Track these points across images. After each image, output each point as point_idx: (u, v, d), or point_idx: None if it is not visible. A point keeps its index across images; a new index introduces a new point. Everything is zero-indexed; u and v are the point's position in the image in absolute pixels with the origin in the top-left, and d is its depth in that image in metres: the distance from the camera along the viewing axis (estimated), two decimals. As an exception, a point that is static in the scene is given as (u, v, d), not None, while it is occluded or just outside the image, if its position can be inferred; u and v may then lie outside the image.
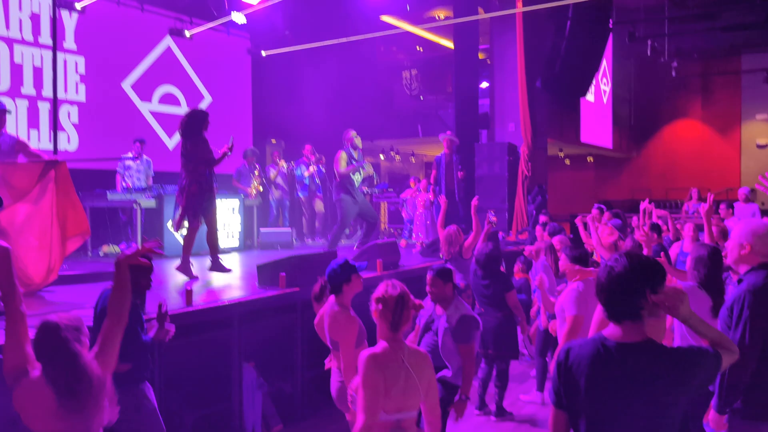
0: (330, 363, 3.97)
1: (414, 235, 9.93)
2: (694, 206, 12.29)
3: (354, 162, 8.46)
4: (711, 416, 2.91)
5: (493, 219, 6.71)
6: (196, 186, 6.10)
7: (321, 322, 3.96)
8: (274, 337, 5.11)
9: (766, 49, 18.97)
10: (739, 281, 3.02)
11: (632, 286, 2.04)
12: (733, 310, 2.88)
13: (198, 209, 6.14)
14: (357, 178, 8.46)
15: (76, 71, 9.92)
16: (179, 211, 6.16)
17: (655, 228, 6.81)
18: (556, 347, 4.60)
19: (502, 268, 6.17)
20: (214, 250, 6.35)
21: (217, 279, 6.21)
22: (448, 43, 16.60)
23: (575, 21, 11.50)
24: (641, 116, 22.05)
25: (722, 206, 9.64)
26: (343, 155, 8.49)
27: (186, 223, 6.18)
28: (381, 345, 2.74)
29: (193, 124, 6.20)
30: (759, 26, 15.81)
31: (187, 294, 4.60)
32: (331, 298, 3.89)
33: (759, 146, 20.52)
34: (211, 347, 4.77)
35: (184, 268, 6.09)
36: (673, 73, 17.52)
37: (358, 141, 8.61)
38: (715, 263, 3.63)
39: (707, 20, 15.59)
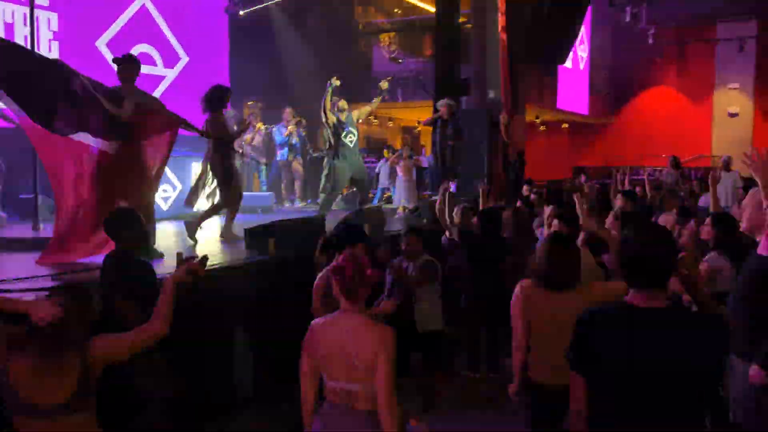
0: None
1: (396, 200, 9.96)
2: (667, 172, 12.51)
3: (341, 126, 8.40)
4: (753, 372, 3.01)
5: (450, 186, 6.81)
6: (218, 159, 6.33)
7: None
8: (262, 301, 5.12)
9: (741, 18, 19.14)
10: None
11: (661, 254, 2.11)
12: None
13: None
14: (350, 139, 8.40)
15: (49, 28, 9.62)
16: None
17: (630, 194, 6.93)
18: None
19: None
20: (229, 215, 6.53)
21: (205, 243, 6.19)
22: (428, 6, 16.42)
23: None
24: (617, 83, 22.22)
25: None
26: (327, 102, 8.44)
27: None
28: (335, 313, 2.81)
29: (211, 100, 6.29)
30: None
31: (178, 257, 4.58)
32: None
33: (730, 114, 20.86)
34: (203, 311, 4.77)
35: (192, 228, 6.24)
36: (650, 41, 17.62)
37: (342, 103, 8.53)
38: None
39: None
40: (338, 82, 8.39)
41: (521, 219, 6.29)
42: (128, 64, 5.52)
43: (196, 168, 9.23)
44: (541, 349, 3.31)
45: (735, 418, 3.17)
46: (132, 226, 3.66)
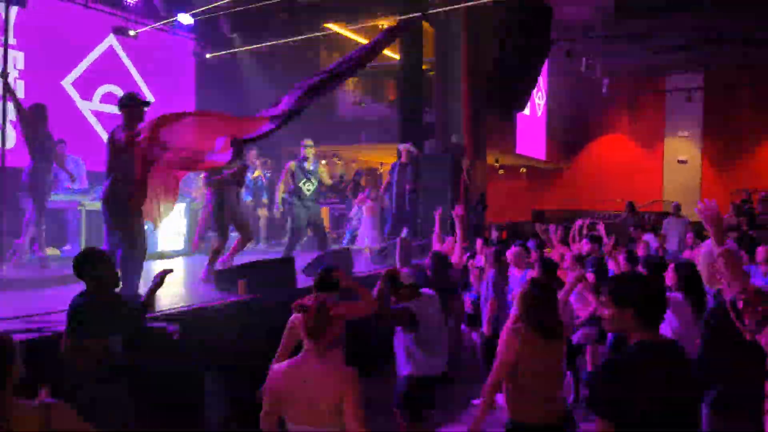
0: None
1: (360, 241, 10.05)
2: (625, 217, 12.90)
3: (304, 174, 8.52)
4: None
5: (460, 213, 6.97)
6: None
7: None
8: (234, 342, 5.11)
9: (689, 71, 20.12)
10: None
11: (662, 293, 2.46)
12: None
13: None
14: (308, 187, 8.51)
15: (15, 67, 9.58)
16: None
17: (596, 240, 7.19)
18: None
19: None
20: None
21: (175, 284, 6.17)
22: (391, 54, 16.83)
23: (517, 37, 11.93)
24: (572, 130, 22.95)
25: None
26: (291, 167, 8.56)
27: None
28: (299, 356, 2.83)
29: None
30: (683, 49, 16.82)
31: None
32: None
33: (680, 161, 21.70)
34: (172, 354, 4.75)
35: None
36: (604, 90, 18.35)
37: (309, 152, 8.66)
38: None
39: (637, 41, 16.44)
40: (310, 150, 8.63)
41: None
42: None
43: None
44: (530, 391, 3.46)
45: None
46: (102, 267, 3.65)
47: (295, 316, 4.05)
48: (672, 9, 14.51)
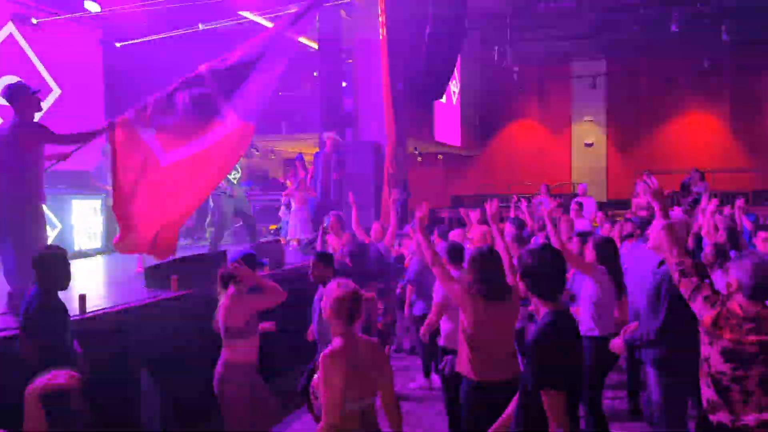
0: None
1: (292, 232, 9.97)
2: (541, 199, 13.43)
3: None
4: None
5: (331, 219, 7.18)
6: None
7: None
8: (168, 340, 5.01)
9: (593, 57, 21.06)
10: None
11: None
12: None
13: None
14: (233, 176, 8.37)
15: None
16: None
17: (518, 222, 7.46)
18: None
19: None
20: None
21: (105, 283, 5.96)
22: (308, 42, 16.71)
23: (433, 26, 12.12)
24: (486, 116, 23.55)
25: (573, 206, 10.47)
26: None
27: None
28: (336, 342, 2.88)
29: None
30: (586, 36, 17.61)
31: (81, 300, 4.43)
32: (231, 288, 4.19)
33: (586, 145, 22.72)
34: (105, 354, 4.62)
35: None
36: (515, 77, 18.94)
37: None
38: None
39: (545, 29, 17.07)
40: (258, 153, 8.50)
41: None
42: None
43: (77, 206, 8.85)
44: (483, 351, 3.71)
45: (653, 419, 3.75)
46: (55, 267, 3.60)
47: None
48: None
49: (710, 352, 2.98)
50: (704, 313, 2.97)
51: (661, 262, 3.85)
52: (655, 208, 3.30)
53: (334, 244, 6.93)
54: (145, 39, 11.37)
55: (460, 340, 3.85)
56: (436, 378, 6.23)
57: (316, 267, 4.91)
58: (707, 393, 3.02)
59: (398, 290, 7.31)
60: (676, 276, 3.13)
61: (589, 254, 4.91)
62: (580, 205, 10.32)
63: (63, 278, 3.63)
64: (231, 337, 4.09)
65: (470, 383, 3.74)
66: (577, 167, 22.65)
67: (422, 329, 5.40)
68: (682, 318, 3.48)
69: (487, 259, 3.75)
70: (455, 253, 4.98)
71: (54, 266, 3.58)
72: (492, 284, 3.71)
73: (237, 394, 4.03)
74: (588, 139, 22.69)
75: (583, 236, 5.67)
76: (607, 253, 4.82)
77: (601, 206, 13.78)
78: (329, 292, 2.92)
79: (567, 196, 17.12)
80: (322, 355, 2.84)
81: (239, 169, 8.49)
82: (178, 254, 6.34)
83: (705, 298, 2.99)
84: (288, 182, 11.93)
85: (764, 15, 14.57)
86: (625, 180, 19.59)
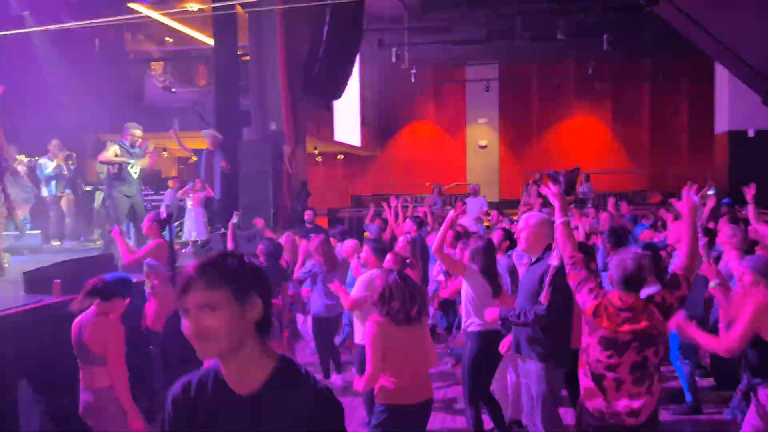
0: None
1: (187, 234, 9.65)
2: (434, 199, 13.74)
3: (130, 156, 7.94)
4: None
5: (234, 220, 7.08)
6: None
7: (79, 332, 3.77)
8: (50, 348, 4.73)
9: (486, 62, 21.79)
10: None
11: None
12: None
13: None
14: (134, 171, 7.96)
15: None
16: None
17: (417, 220, 7.61)
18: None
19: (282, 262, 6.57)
20: None
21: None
22: (202, 36, 16.26)
23: (331, 26, 12.13)
24: (385, 117, 23.84)
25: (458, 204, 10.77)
26: (113, 148, 7.94)
27: None
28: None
29: None
30: (480, 42, 18.18)
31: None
32: (93, 306, 3.77)
33: (480, 146, 23.49)
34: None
35: None
36: (412, 79, 19.29)
37: (136, 133, 8.05)
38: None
39: (441, 33, 17.48)
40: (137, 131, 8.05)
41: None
42: None
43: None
44: (397, 375, 3.57)
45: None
46: None
47: None
48: (472, 3, 15.65)
49: (589, 342, 3.19)
50: (587, 303, 3.17)
51: (536, 261, 4.00)
52: (556, 207, 3.47)
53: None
54: (22, 31, 10.66)
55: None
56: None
57: None
58: (585, 382, 3.22)
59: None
60: (567, 268, 3.33)
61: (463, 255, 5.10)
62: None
63: None
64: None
65: (382, 408, 3.63)
66: (472, 168, 23.36)
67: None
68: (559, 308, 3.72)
69: (399, 283, 3.62)
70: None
71: None
72: (403, 309, 3.58)
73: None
74: (482, 140, 23.45)
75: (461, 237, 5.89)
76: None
77: (495, 206, 14.29)
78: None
79: (461, 197, 17.61)
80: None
81: (138, 163, 8.03)
82: (64, 257, 6.03)
83: (590, 290, 3.20)
84: (170, 182, 11.55)
85: (640, 28, 15.62)
86: (517, 179, 20.44)
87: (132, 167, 7.91)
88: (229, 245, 6.09)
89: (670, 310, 3.13)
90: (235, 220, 6.94)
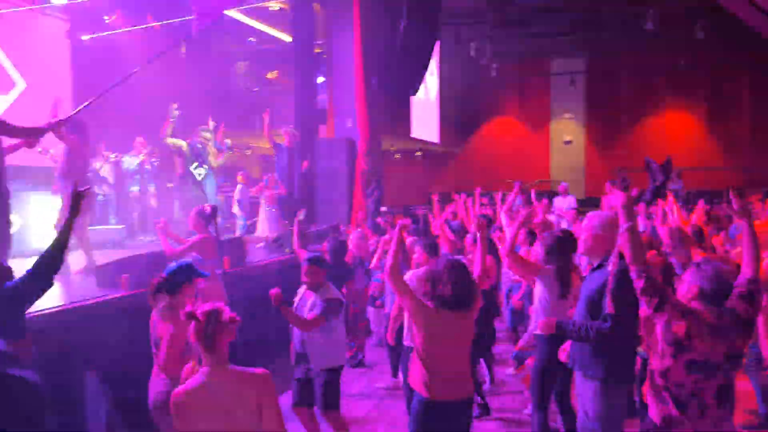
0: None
1: (260, 230, 9.81)
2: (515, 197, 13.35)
3: (195, 157, 8.15)
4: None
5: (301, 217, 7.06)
6: None
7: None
8: (118, 341, 4.83)
9: (571, 55, 21.05)
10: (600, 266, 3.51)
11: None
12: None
13: None
14: (198, 173, 8.16)
15: None
16: None
17: (486, 218, 7.34)
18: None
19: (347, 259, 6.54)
20: None
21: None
22: (281, 35, 16.49)
23: (409, 21, 11.96)
24: (464, 113, 23.45)
25: (544, 201, 10.38)
26: (182, 142, 8.16)
27: None
28: (200, 373, 2.64)
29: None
30: (564, 35, 17.57)
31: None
32: (165, 298, 3.86)
33: (565, 142, 22.73)
34: (50, 355, 4.43)
35: None
36: (493, 74, 18.86)
37: (206, 135, 8.27)
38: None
39: (521, 27, 16.99)
40: (177, 112, 8.20)
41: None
42: None
43: (35, 203, 8.59)
44: (438, 366, 3.42)
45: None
46: None
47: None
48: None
49: (670, 365, 2.81)
50: (675, 327, 2.78)
51: (597, 267, 3.63)
52: (619, 214, 3.01)
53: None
54: (111, 32, 11.13)
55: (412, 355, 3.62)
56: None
57: (311, 271, 4.50)
58: (662, 409, 2.86)
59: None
60: (635, 282, 2.90)
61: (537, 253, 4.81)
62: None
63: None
64: None
65: (422, 401, 3.47)
66: (556, 165, 22.64)
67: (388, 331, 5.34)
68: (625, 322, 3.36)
69: (460, 269, 3.49)
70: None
71: None
72: (451, 295, 3.43)
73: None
74: (567, 136, 22.68)
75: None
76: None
77: (580, 204, 13.76)
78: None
79: (547, 194, 17.07)
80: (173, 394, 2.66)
81: (207, 168, 8.23)
82: (132, 252, 6.19)
83: (673, 307, 2.80)
84: (239, 177, 11.65)
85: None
86: (603, 177, 19.59)
87: (195, 168, 8.09)
88: (295, 242, 6.05)
89: (752, 324, 2.79)
90: (301, 217, 6.94)
